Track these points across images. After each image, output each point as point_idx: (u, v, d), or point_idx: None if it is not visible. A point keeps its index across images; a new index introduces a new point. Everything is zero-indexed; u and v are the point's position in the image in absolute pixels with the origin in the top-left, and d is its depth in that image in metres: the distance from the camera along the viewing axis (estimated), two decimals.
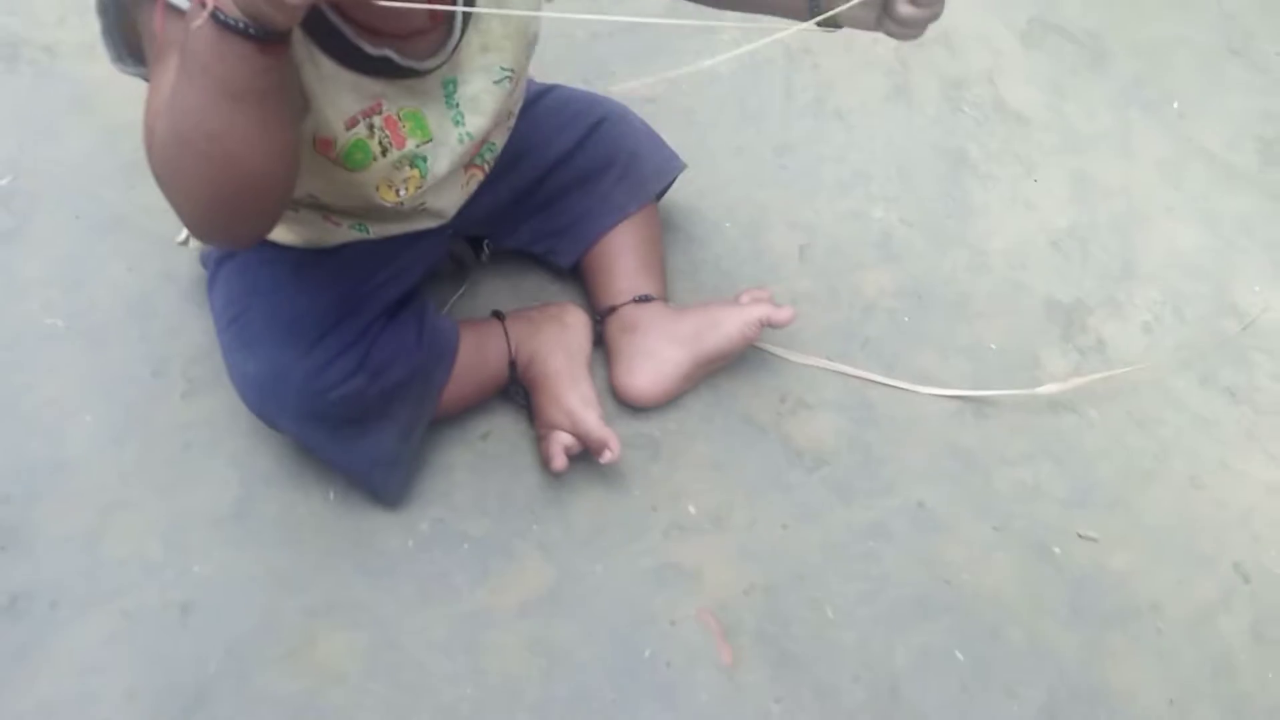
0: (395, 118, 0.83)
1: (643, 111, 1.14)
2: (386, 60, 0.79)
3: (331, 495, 0.98)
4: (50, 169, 1.12)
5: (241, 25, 0.61)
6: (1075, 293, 1.25)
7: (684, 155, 1.15)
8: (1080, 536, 1.08)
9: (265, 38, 0.63)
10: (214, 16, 0.62)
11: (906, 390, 1.12)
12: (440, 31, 0.81)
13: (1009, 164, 1.35)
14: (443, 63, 0.82)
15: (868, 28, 0.82)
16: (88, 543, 0.93)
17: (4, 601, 0.89)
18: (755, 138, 1.30)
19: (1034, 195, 1.33)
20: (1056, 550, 1.07)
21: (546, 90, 1.10)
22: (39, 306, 1.03)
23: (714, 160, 1.26)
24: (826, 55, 1.38)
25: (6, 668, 0.86)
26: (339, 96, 0.79)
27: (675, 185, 1.15)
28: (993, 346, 1.19)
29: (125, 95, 1.16)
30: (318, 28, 0.75)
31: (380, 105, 0.81)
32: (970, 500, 1.08)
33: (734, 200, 1.24)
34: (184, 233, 1.00)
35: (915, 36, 0.81)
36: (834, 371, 1.12)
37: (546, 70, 1.19)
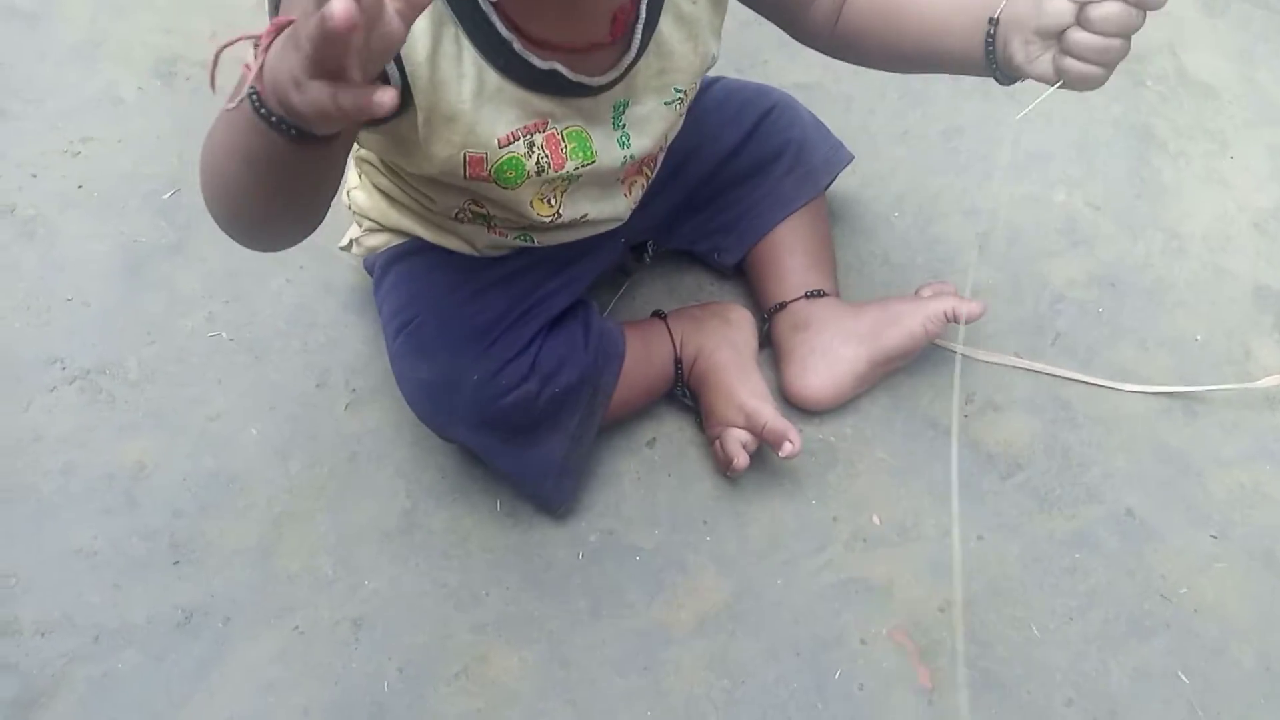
0: (558, 136, 0.78)
1: (800, 99, 1.08)
2: (555, 74, 0.74)
3: (499, 506, 0.95)
4: None
5: (274, 119, 0.54)
6: None
7: (846, 143, 1.08)
8: None
9: (301, 138, 0.56)
10: (250, 100, 0.55)
11: (1106, 388, 1.03)
12: (617, 48, 0.76)
13: (1200, 140, 1.24)
14: (615, 80, 0.78)
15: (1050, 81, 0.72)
16: (259, 557, 0.91)
17: (180, 618, 0.88)
18: (920, 121, 1.22)
19: (1230, 173, 1.21)
20: None
21: (711, 83, 1.05)
22: (204, 319, 1.03)
23: (877, 147, 1.19)
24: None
25: (187, 685, 0.85)
26: (500, 112, 0.75)
27: (838, 177, 1.08)
28: (1198, 338, 1.08)
29: None
30: (485, 39, 0.72)
31: (545, 124, 0.77)
32: (1184, 506, 0.98)
33: (902, 189, 1.16)
34: (346, 238, 0.98)
35: (1098, 82, 0.70)
36: (1024, 369, 1.04)
37: None
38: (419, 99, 0.71)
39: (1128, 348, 1.06)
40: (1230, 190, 1.19)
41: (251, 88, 0.55)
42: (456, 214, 0.86)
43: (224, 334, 1.02)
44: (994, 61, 0.75)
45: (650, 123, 0.83)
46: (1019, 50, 0.72)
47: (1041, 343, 1.06)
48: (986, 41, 0.74)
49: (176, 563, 0.90)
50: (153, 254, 1.06)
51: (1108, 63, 0.69)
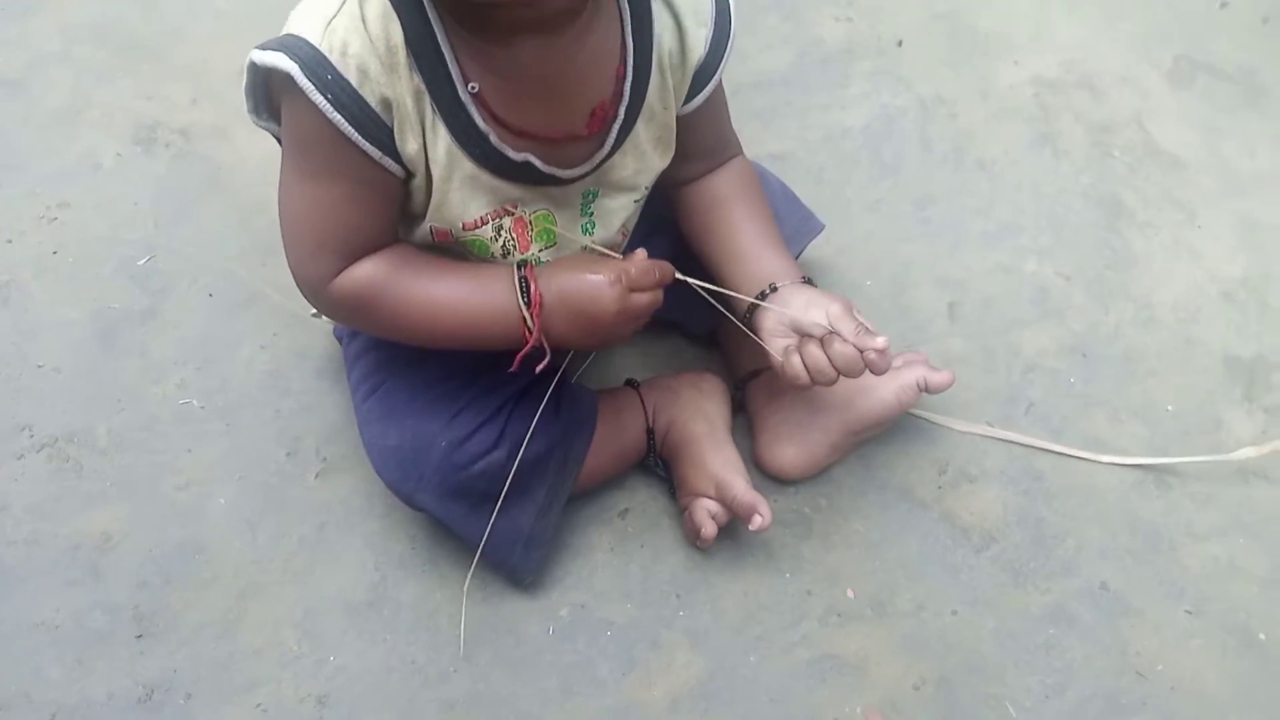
0: (526, 220, 0.80)
1: (772, 169, 1.09)
2: (528, 165, 0.76)
3: (468, 580, 0.93)
4: (185, 248, 1.12)
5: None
6: (1255, 347, 1.14)
7: (818, 212, 1.09)
8: None
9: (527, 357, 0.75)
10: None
11: (1080, 459, 1.03)
12: (592, 141, 0.78)
13: (1168, 210, 1.25)
14: (586, 174, 0.80)
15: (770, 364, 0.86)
16: (223, 630, 0.89)
17: (141, 693, 0.86)
18: (892, 191, 1.24)
19: (1199, 242, 1.23)
20: (1262, 636, 0.95)
21: None
22: (175, 386, 1.02)
23: (850, 216, 1.20)
24: (963, 104, 1.32)
25: None
26: (472, 199, 0.78)
27: (811, 244, 1.09)
28: (1169, 408, 1.08)
29: (257, 176, 1.17)
30: (462, 128, 0.74)
31: (514, 206, 0.80)
32: (1159, 580, 0.98)
33: (875, 257, 1.17)
34: None
35: (803, 384, 0.83)
36: (997, 439, 1.04)
37: None
38: (415, 170, 0.75)
39: (1100, 418, 1.07)
40: (1199, 260, 1.21)
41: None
42: None
43: (195, 401, 1.01)
44: (749, 314, 0.87)
45: (615, 215, 0.85)
46: (769, 325, 0.85)
47: (1015, 412, 1.06)
48: (756, 300, 0.86)
49: (139, 636, 0.89)
50: (125, 320, 1.06)
51: (817, 378, 0.82)
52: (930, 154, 1.27)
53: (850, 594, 0.95)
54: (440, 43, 0.71)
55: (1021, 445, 1.04)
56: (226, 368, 1.04)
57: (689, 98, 0.83)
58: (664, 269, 0.78)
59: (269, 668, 0.88)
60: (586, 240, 0.84)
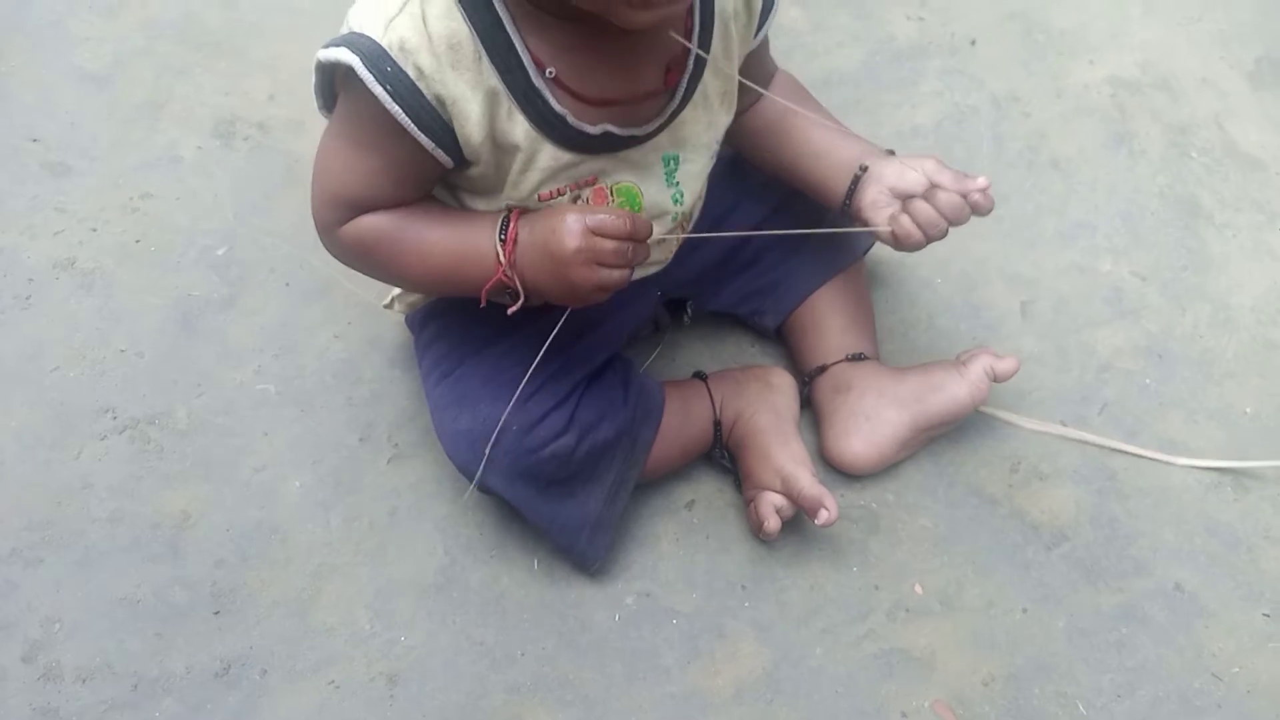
0: (606, 191, 0.81)
1: None
2: (606, 135, 0.78)
3: (536, 565, 0.95)
4: (262, 238, 1.14)
5: (510, 292, 0.77)
6: None
7: None
8: None
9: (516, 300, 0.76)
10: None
11: (1155, 460, 1.01)
12: (665, 95, 0.79)
13: (1247, 212, 1.23)
14: (660, 128, 0.80)
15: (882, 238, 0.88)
16: (298, 609, 0.91)
17: (219, 668, 0.88)
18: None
19: (1279, 244, 1.20)
20: None
21: None
22: (253, 372, 1.04)
23: None
24: (1037, 103, 1.30)
25: None
26: (552, 178, 0.79)
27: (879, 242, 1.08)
28: (1247, 411, 1.06)
29: None
30: (538, 113, 0.75)
31: (594, 179, 0.81)
32: (1235, 583, 0.95)
33: (946, 255, 1.16)
34: (389, 295, 1.00)
35: (917, 246, 0.87)
36: (1070, 439, 1.02)
37: None
38: (476, 168, 0.78)
39: (1176, 419, 1.05)
40: (1279, 262, 1.18)
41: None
42: None
43: (272, 387, 1.04)
44: (848, 200, 0.90)
45: (697, 179, 0.87)
46: (869, 197, 0.87)
47: (1088, 412, 1.05)
48: (850, 183, 0.89)
49: (217, 612, 0.91)
50: (205, 308, 1.09)
51: (930, 232, 0.86)
52: (1003, 152, 1.26)
53: (918, 589, 0.94)
54: (510, 33, 0.73)
55: (1095, 445, 1.02)
56: (302, 355, 1.06)
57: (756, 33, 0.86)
58: (639, 222, 0.75)
59: (341, 646, 0.90)
60: (676, 210, 0.86)
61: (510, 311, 0.77)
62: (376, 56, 0.72)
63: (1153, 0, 1.43)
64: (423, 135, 0.74)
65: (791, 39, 1.34)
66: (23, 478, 0.97)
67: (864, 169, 0.88)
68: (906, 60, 1.33)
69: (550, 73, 0.74)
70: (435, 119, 0.74)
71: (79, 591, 0.91)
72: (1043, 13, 1.39)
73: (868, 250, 1.07)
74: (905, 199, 0.86)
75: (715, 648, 0.91)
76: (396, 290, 0.99)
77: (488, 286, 0.77)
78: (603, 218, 0.74)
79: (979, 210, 0.85)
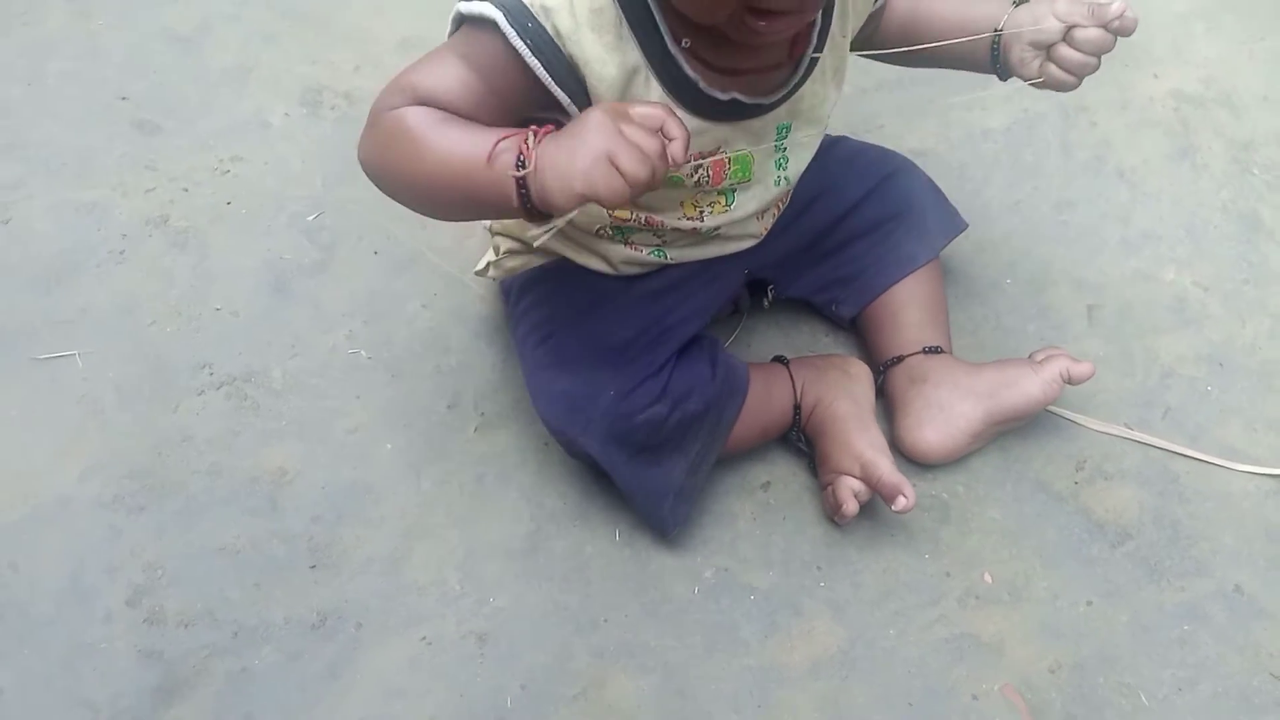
0: (725, 161, 0.84)
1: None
2: (734, 102, 0.80)
3: (618, 535, 0.98)
4: (350, 207, 1.17)
5: (524, 194, 0.70)
6: None
7: (960, 208, 1.12)
8: None
9: (533, 212, 0.71)
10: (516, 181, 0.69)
11: (1217, 465, 1.04)
12: (788, 68, 0.82)
13: None
14: (785, 96, 0.84)
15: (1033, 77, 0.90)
16: (390, 566, 0.94)
17: (315, 619, 0.91)
18: (1033, 194, 1.26)
19: None
20: None
21: (837, 140, 1.10)
22: (344, 337, 1.07)
23: (990, 216, 1.23)
24: (1103, 113, 1.33)
25: (320, 685, 0.88)
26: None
27: (951, 242, 1.11)
28: None
29: None
30: (673, 80, 0.78)
31: (717, 149, 0.83)
32: None
33: (1013, 256, 1.20)
34: (483, 261, 1.03)
35: (1071, 87, 0.89)
36: (1134, 441, 1.06)
37: None
38: None
39: (1236, 427, 1.08)
40: None
41: (521, 166, 0.69)
42: (598, 230, 0.91)
43: (363, 352, 1.06)
44: (996, 62, 0.93)
45: (804, 149, 0.90)
46: (1015, 55, 0.90)
47: (1151, 415, 1.08)
48: (992, 47, 0.92)
49: (313, 566, 0.94)
50: (297, 272, 1.12)
51: (1081, 74, 0.88)
52: (1070, 159, 1.29)
53: (987, 578, 0.97)
54: (650, 4, 0.76)
55: (1159, 449, 1.05)
56: (391, 323, 1.09)
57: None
58: (676, 123, 0.68)
59: (433, 604, 0.93)
60: (780, 175, 0.90)
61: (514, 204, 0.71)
62: (519, 12, 0.74)
63: (1216, 18, 1.46)
64: (559, 89, 0.76)
65: None
66: (123, 427, 1.00)
67: (999, 32, 0.90)
68: None
69: (685, 43, 0.77)
70: (571, 75, 0.77)
71: (180, 540, 0.94)
72: None
73: (944, 247, 1.10)
74: (1049, 47, 0.87)
75: (791, 624, 0.94)
76: (492, 255, 1.02)
77: (494, 145, 0.70)
78: (640, 108, 0.68)
79: (1124, 32, 0.85)
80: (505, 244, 1.00)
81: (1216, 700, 0.92)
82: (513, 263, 0.99)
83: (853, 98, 1.32)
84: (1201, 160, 1.31)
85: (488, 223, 1.03)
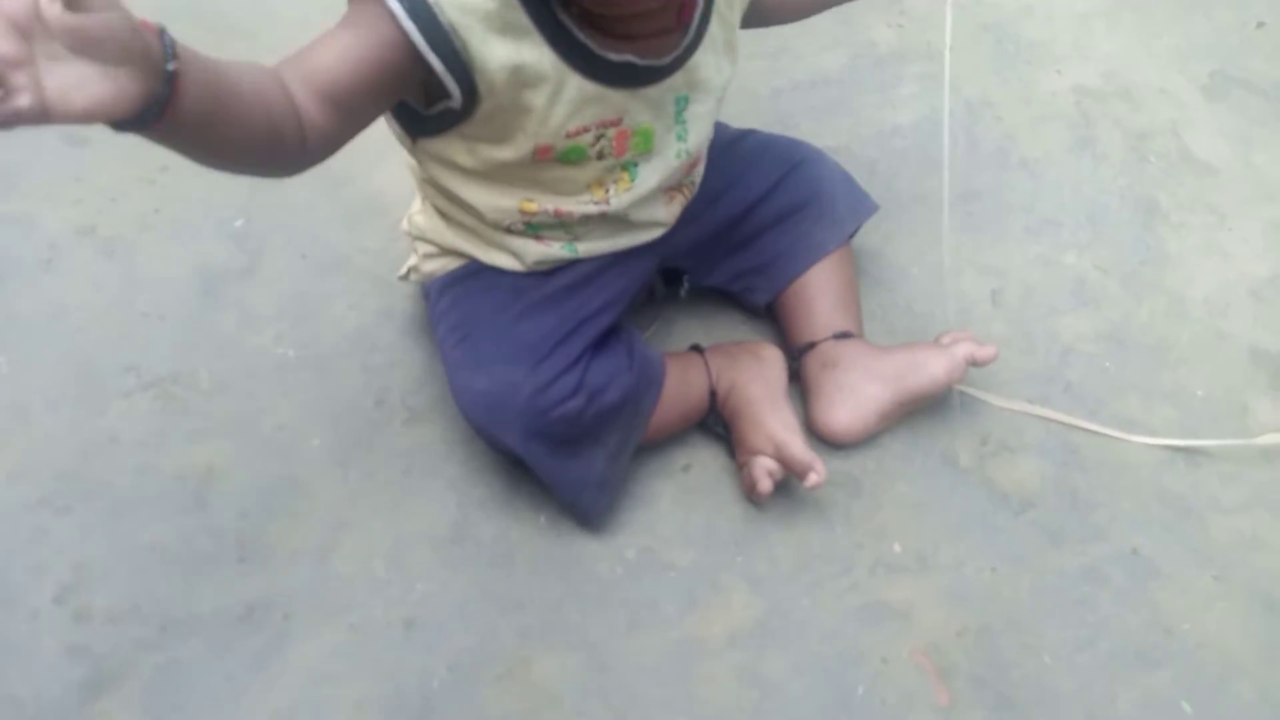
0: (628, 132, 0.87)
1: None
2: (629, 65, 0.83)
3: (543, 520, 1.01)
4: (277, 213, 1.19)
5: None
6: None
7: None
8: None
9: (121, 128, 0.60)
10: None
11: (1114, 437, 1.10)
12: (679, 34, 0.86)
13: (1201, 213, 1.32)
14: (678, 60, 0.86)
15: None
16: (318, 558, 0.97)
17: (243, 611, 0.93)
18: (939, 186, 1.30)
19: (1229, 244, 1.30)
20: None
21: (747, 134, 1.14)
22: (272, 338, 1.09)
23: (899, 207, 1.28)
24: (1008, 108, 1.39)
25: (248, 675, 0.90)
26: (578, 112, 0.84)
27: (862, 231, 1.16)
28: (1199, 394, 1.15)
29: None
30: (565, 45, 0.80)
31: (619, 120, 0.86)
32: (1187, 548, 1.04)
33: (921, 246, 1.24)
34: (404, 267, 1.06)
35: None
36: (1036, 416, 1.11)
37: (732, 124, 1.23)
38: (489, 103, 0.80)
39: (1134, 400, 1.13)
40: (1229, 260, 1.28)
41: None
42: (508, 225, 0.94)
43: (290, 352, 1.09)
44: None
45: (702, 121, 0.93)
46: None
47: (1053, 391, 1.13)
48: None
49: (241, 560, 0.96)
50: (225, 276, 1.14)
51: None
52: (976, 152, 1.34)
53: (897, 548, 1.01)
54: None
55: (1059, 422, 1.10)
56: (319, 324, 1.11)
57: None
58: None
59: (360, 593, 0.95)
60: (680, 148, 0.92)
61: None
62: None
63: (1116, 16, 1.53)
64: (434, 56, 0.75)
65: (779, 42, 1.41)
66: (50, 432, 1.01)
67: None
68: (887, 65, 1.42)
69: (574, 10, 0.79)
70: (446, 43, 0.75)
71: (107, 538, 0.96)
72: (1014, 25, 1.49)
73: (854, 233, 1.14)
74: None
75: (711, 599, 0.98)
76: (413, 260, 1.04)
77: None
78: None
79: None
80: (424, 248, 1.03)
81: (1114, 657, 0.97)
82: (431, 266, 1.02)
83: (768, 98, 1.37)
84: (1101, 150, 1.37)
85: (407, 227, 1.06)
